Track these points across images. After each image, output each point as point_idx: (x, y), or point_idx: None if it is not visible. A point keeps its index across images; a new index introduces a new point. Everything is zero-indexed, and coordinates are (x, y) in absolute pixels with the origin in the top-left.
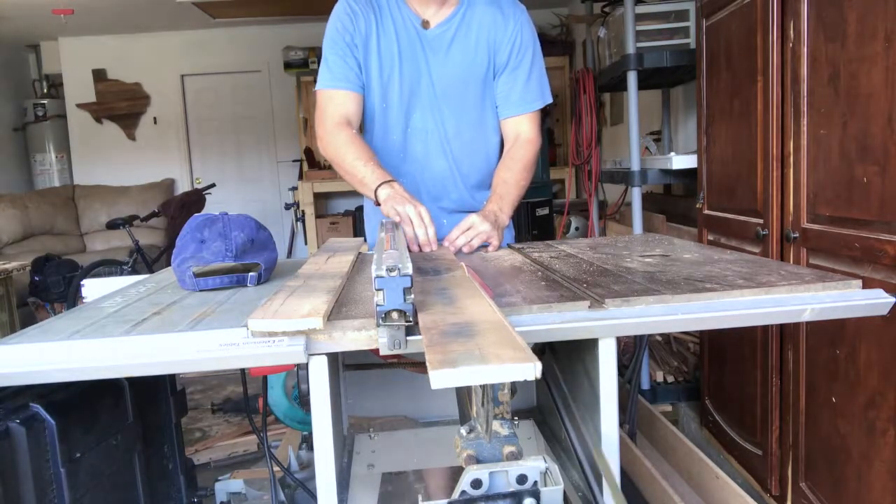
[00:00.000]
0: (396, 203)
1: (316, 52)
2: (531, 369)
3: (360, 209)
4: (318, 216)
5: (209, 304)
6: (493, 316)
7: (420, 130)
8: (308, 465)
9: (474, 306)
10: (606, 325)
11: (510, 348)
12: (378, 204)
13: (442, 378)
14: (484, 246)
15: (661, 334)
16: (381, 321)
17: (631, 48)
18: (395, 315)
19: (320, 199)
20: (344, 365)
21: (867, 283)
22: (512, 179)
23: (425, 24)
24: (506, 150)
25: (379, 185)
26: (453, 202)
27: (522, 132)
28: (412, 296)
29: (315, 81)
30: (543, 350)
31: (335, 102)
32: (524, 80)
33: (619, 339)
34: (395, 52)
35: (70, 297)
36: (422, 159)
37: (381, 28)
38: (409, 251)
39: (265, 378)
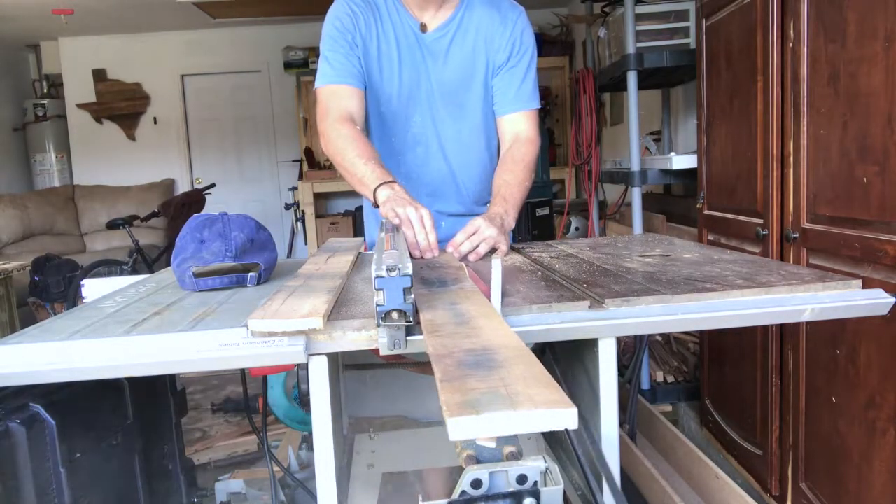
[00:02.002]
0: (396, 205)
1: (316, 52)
2: (571, 416)
3: (360, 209)
4: (318, 216)
5: (209, 304)
6: (514, 340)
7: (419, 134)
8: (308, 465)
9: (491, 327)
10: (606, 325)
11: (542, 386)
12: (376, 205)
13: (462, 428)
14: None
15: (661, 334)
16: (381, 321)
17: (631, 48)
18: (395, 315)
19: (320, 199)
20: (344, 365)
21: (867, 283)
22: (514, 180)
23: (423, 28)
24: (505, 150)
25: (378, 186)
26: (452, 206)
27: (521, 131)
28: (412, 296)
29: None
30: (543, 350)
31: (338, 97)
32: (521, 79)
33: (619, 339)
34: (395, 57)
35: (70, 297)
36: (420, 163)
37: (380, 31)
38: (411, 257)
39: (265, 378)
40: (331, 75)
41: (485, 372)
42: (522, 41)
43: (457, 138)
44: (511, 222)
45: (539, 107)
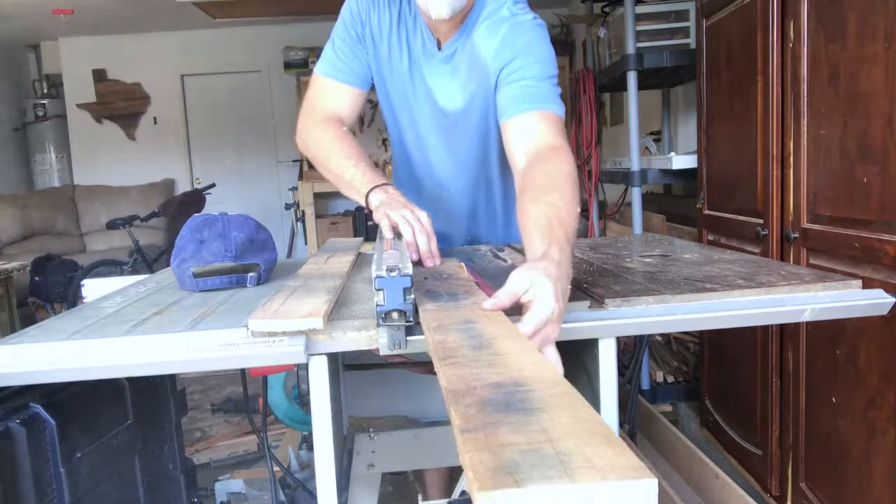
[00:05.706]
0: (390, 209)
1: (316, 52)
2: (649, 490)
3: (360, 209)
4: (318, 216)
5: (209, 304)
6: (549, 371)
7: (431, 153)
8: (308, 465)
9: (518, 352)
10: (606, 325)
11: (602, 443)
12: (369, 210)
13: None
14: (499, 255)
15: (661, 334)
16: (381, 321)
17: (631, 48)
18: (395, 315)
19: (320, 199)
20: (344, 365)
21: (867, 283)
22: (562, 202)
23: (438, 45)
24: (525, 167)
25: (371, 190)
26: (456, 227)
27: (538, 136)
28: (412, 296)
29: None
30: None
31: (329, 94)
32: (534, 78)
33: (619, 339)
34: (406, 69)
35: (70, 297)
36: (428, 168)
37: (392, 37)
38: (414, 264)
39: (265, 378)
40: (330, 67)
41: (519, 417)
42: (529, 42)
43: (461, 150)
44: (569, 268)
45: (561, 112)
